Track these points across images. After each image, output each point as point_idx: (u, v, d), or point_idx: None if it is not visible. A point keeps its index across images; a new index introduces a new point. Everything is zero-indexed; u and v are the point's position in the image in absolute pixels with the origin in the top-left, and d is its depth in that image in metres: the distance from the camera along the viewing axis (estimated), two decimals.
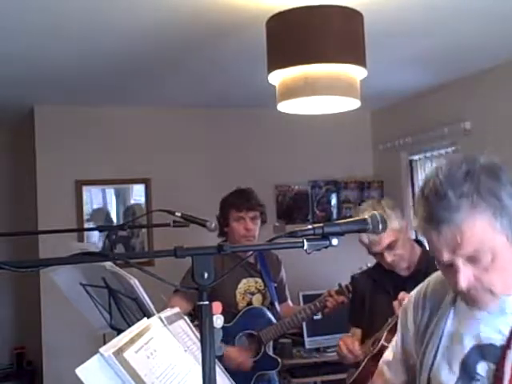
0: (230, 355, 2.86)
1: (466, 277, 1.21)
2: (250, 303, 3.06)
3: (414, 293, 1.53)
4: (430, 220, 1.21)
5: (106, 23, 2.95)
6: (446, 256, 1.22)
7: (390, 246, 2.33)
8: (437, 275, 1.45)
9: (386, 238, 2.30)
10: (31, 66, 3.66)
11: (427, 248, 2.02)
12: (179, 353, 1.23)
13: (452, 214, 1.17)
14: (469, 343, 1.30)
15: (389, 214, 2.29)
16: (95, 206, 5.01)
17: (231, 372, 2.77)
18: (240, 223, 3.02)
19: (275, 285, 3.15)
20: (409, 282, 2.18)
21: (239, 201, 3.05)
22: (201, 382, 1.00)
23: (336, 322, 3.80)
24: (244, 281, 3.06)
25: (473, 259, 1.20)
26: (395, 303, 2.10)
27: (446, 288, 1.38)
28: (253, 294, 3.08)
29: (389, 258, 2.34)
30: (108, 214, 5.03)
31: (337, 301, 2.89)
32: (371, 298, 2.51)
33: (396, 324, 2.06)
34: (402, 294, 2.03)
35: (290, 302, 3.32)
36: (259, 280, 3.10)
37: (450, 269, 1.24)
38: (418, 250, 2.44)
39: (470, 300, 1.27)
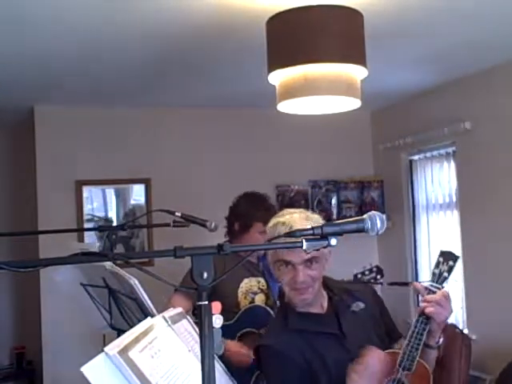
0: (231, 349, 2.87)
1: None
2: (252, 303, 3.07)
3: None
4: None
5: (107, 24, 2.95)
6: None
7: (310, 261, 1.87)
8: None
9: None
10: (31, 66, 3.66)
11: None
12: (183, 352, 1.23)
13: None
14: None
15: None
16: (95, 208, 5.01)
17: (231, 368, 2.79)
18: (263, 235, 3.02)
19: (279, 284, 3.15)
20: (340, 320, 1.95)
21: (268, 216, 3.04)
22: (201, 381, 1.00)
23: None
24: (246, 280, 3.06)
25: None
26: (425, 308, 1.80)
27: None
28: (255, 293, 3.08)
29: (301, 275, 1.86)
30: (107, 215, 5.03)
31: None
32: (316, 353, 1.90)
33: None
34: (428, 296, 1.82)
35: None
36: (262, 280, 3.10)
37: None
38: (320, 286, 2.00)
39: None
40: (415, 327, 1.82)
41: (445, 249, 1.90)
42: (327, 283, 2.04)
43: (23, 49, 3.29)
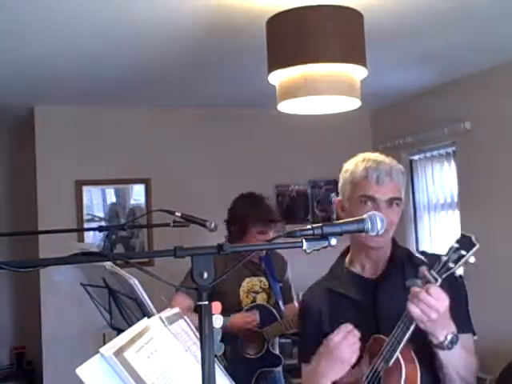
0: (235, 320, 2.88)
1: None
2: (253, 302, 3.07)
3: None
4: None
5: (106, 24, 2.96)
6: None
7: (391, 202, 1.74)
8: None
9: (394, 189, 1.75)
10: (31, 66, 3.66)
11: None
12: (180, 353, 1.23)
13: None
14: None
15: (399, 165, 1.81)
16: (95, 207, 5.01)
17: (232, 367, 2.79)
18: (264, 236, 3.01)
19: (280, 285, 3.16)
20: (379, 287, 1.74)
21: (265, 217, 3.01)
22: (201, 382, 1.00)
23: None
24: (248, 279, 3.07)
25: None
26: (412, 308, 1.49)
27: None
28: (257, 292, 3.09)
29: (383, 214, 1.60)
30: (117, 214, 5.04)
31: None
32: (332, 315, 1.78)
33: (412, 335, 1.52)
34: (414, 289, 1.49)
35: (296, 303, 3.32)
36: (263, 279, 3.11)
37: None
38: (389, 246, 1.82)
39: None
40: (401, 320, 1.53)
41: (466, 233, 1.51)
42: (395, 243, 1.82)
43: (23, 49, 3.29)
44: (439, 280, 1.49)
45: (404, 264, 1.77)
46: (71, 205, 4.86)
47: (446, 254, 1.50)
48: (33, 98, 4.60)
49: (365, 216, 1.17)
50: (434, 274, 1.49)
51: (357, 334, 1.59)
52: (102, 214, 5.02)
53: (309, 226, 1.13)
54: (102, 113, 4.95)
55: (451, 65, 4.07)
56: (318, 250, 1.13)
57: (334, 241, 1.12)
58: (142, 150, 5.03)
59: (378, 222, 1.16)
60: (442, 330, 1.50)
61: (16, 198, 5.57)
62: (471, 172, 4.42)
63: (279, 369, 3.22)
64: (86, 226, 4.84)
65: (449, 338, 1.51)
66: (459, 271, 1.50)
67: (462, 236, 1.50)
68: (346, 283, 1.80)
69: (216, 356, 1.05)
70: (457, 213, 4.63)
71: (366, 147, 5.62)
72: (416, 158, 5.13)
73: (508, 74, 4.02)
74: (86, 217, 4.91)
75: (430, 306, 1.45)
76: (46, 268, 1.09)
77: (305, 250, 1.12)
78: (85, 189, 4.91)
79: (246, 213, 3.03)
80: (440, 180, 4.87)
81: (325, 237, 1.12)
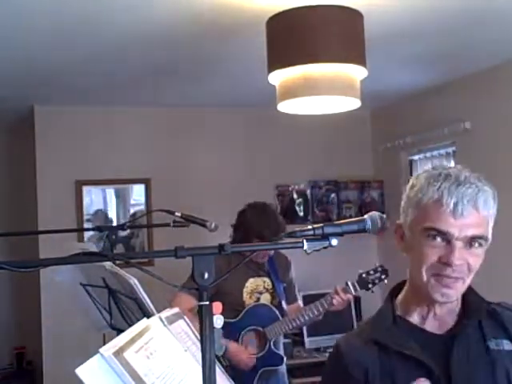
0: (231, 350, 2.88)
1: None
2: (257, 302, 3.08)
3: None
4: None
5: (106, 24, 2.95)
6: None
7: (471, 242, 1.30)
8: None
9: (478, 224, 1.35)
10: (31, 66, 3.66)
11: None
12: (179, 353, 1.23)
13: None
14: None
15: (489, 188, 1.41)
16: (95, 207, 5.00)
17: (234, 368, 2.78)
18: (264, 252, 3.00)
19: (284, 285, 3.16)
20: (452, 346, 1.28)
21: (269, 233, 2.94)
22: (201, 382, 1.00)
23: (336, 322, 3.81)
24: (251, 280, 3.07)
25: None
26: None
27: None
28: (261, 293, 3.10)
29: (457, 255, 1.26)
30: (107, 215, 5.03)
31: (343, 299, 2.90)
32: (385, 376, 1.29)
33: None
34: None
35: (300, 303, 3.32)
36: (267, 279, 3.11)
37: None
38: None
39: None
40: None
41: None
42: (471, 290, 1.38)
43: (24, 49, 3.29)
44: None
45: (481, 317, 1.34)
46: (71, 205, 4.86)
47: None
48: (33, 97, 4.60)
49: (365, 216, 1.16)
50: None
51: None
52: (102, 215, 5.02)
53: (309, 227, 1.13)
54: (101, 113, 4.95)
55: (451, 65, 4.07)
56: (318, 250, 1.12)
57: (334, 241, 1.12)
58: (142, 150, 5.03)
59: (379, 223, 1.15)
60: None
61: (16, 198, 5.57)
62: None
63: (283, 368, 3.22)
64: (86, 226, 4.84)
65: None
66: None
67: None
68: (402, 337, 1.32)
69: (217, 356, 1.04)
70: None
71: (366, 147, 5.63)
72: (416, 157, 5.13)
73: (508, 73, 4.02)
74: (86, 217, 4.91)
75: None
76: (46, 268, 1.09)
77: (305, 251, 1.12)
78: (85, 189, 4.91)
79: (252, 227, 3.00)
80: None
81: (325, 237, 1.12)
